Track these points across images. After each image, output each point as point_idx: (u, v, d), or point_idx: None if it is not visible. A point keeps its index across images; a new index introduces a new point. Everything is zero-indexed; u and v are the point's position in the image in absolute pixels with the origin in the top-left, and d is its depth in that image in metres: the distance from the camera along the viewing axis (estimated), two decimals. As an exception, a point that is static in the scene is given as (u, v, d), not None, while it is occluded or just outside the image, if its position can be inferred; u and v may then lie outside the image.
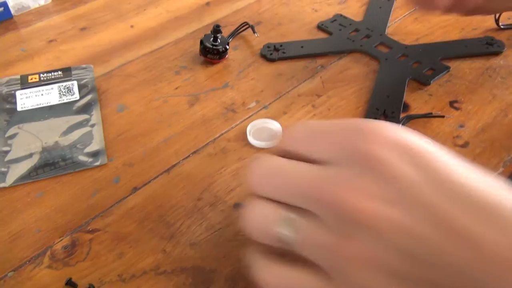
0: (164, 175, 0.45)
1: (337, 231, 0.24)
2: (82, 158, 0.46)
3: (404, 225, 0.23)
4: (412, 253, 0.23)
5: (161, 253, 0.39)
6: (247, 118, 0.51)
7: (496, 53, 0.59)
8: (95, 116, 0.51)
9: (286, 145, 0.29)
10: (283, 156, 0.28)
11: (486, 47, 0.60)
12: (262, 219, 0.27)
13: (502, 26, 0.64)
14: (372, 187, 0.24)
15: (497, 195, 0.23)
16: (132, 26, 0.65)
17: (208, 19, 0.66)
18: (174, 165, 0.46)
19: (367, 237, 0.23)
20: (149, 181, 0.44)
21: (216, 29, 0.56)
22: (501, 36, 0.62)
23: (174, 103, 0.53)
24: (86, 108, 0.51)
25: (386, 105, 0.52)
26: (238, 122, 0.50)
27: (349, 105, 0.52)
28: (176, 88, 0.55)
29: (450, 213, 0.23)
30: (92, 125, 0.50)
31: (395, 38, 0.62)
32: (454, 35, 0.63)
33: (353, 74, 0.57)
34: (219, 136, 0.49)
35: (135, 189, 0.44)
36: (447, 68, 0.57)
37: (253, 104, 0.53)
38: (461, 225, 0.22)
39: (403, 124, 0.49)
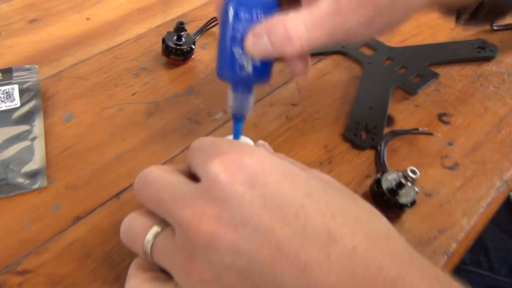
0: (113, 201, 0.39)
1: (184, 248, 0.26)
2: (18, 179, 0.39)
3: (236, 244, 0.25)
4: (246, 271, 0.25)
5: (103, 301, 0.33)
6: (212, 131, 0.45)
7: (489, 58, 0.54)
8: (37, 127, 0.44)
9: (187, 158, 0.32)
10: (183, 169, 0.32)
11: (477, 51, 0.54)
12: (133, 230, 0.30)
13: (495, 28, 0.58)
14: (212, 209, 0.26)
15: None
16: (88, 19, 0.57)
17: (175, 12, 0.59)
18: (125, 189, 0.39)
19: (207, 258, 0.25)
20: (95, 209, 0.38)
21: (180, 27, 0.48)
22: (494, 39, 0.56)
23: (131, 112, 0.46)
24: (27, 118, 0.44)
25: (368, 118, 0.46)
26: (201, 136, 0.44)
27: (327, 118, 0.46)
28: (134, 94, 0.48)
29: (276, 233, 0.25)
30: (33, 139, 0.43)
31: (380, 38, 0.56)
32: (443, 36, 0.57)
33: (333, 80, 0.50)
34: (179, 154, 0.43)
35: (78, 219, 0.37)
36: (436, 75, 0.51)
37: (220, 114, 0.46)
38: (287, 244, 0.24)
39: (386, 142, 0.44)
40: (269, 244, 0.24)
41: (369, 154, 0.43)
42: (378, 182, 0.38)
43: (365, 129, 0.45)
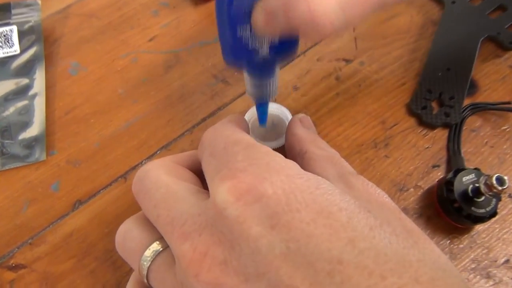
0: (120, 182, 0.32)
1: (180, 284, 0.21)
2: (14, 149, 0.33)
3: None
4: None
5: (101, 312, 0.28)
6: (242, 94, 0.36)
7: None
8: (39, 80, 0.37)
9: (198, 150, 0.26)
10: (192, 163, 0.26)
11: None
12: (130, 245, 0.24)
13: None
14: (217, 250, 0.20)
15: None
16: None
17: None
18: (133, 168, 0.33)
19: None
20: (99, 191, 0.32)
21: (207, -48, 0.38)
22: None
23: (146, 64, 0.38)
24: (27, 68, 0.37)
25: (444, 84, 0.35)
26: (229, 101, 0.35)
27: (390, 81, 0.36)
28: (151, 40, 0.39)
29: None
30: (33, 96, 0.36)
31: (471, -35, 0.42)
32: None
33: (402, 26, 0.39)
34: (201, 122, 0.35)
35: (79, 203, 0.32)
36: (544, 22, 0.38)
37: (253, 71, 0.37)
38: None
39: (464, 119, 0.33)
40: None
41: (439, 134, 0.33)
42: (449, 184, 0.29)
43: (438, 100, 0.34)
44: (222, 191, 0.20)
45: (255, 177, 0.20)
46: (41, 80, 0.36)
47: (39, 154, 0.33)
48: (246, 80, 0.27)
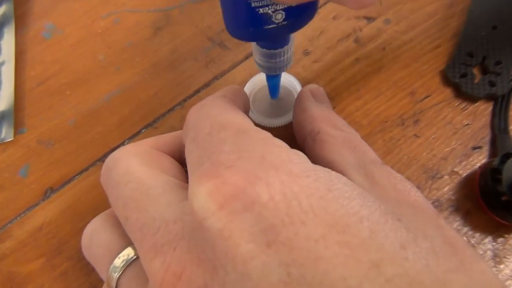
0: (97, 167, 0.27)
1: None
2: (-23, 127, 0.29)
3: None
4: None
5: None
6: (243, 61, 0.30)
7: None
8: (7, 45, 0.31)
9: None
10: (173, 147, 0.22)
11: None
12: (96, 250, 0.19)
13: None
14: (194, 271, 0.15)
15: None
16: None
17: None
18: (115, 149, 0.27)
19: None
20: (73, 177, 0.27)
21: None
22: None
23: (130, 25, 0.32)
24: (-4, 31, 0.32)
25: (489, 46, 0.28)
26: (227, 68, 0.30)
27: (420, 43, 0.29)
28: (137, -4, 0.33)
29: None
30: (1, 64, 0.31)
31: None
32: None
33: (436, -25, 0.32)
34: (193, 95, 0.29)
35: (50, 192, 0.27)
36: None
37: (256, 32, 0.31)
38: None
39: (514, 90, 0.27)
40: None
41: (482, 109, 0.27)
42: (495, 172, 0.23)
43: (481, 66, 0.28)
44: (201, 194, 0.15)
45: (245, 176, 0.15)
46: (10, 45, 0.31)
47: (6, 132, 0.28)
48: (254, 49, 0.21)
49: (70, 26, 0.32)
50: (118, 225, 0.20)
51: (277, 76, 0.24)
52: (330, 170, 0.17)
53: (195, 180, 0.16)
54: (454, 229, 0.24)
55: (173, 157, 0.22)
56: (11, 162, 0.28)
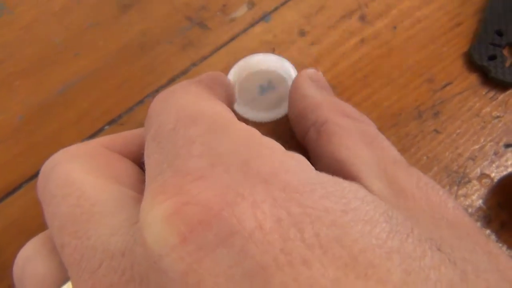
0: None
1: None
2: None
3: None
4: None
5: None
6: (227, 43, 0.25)
7: None
8: None
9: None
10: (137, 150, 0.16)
11: None
12: (31, 281, 0.14)
13: None
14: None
15: None
16: None
17: None
18: (70, 151, 0.22)
19: None
20: (20, 186, 0.22)
21: None
22: None
23: (93, 3, 0.26)
24: None
25: (520, 23, 0.23)
26: (208, 53, 0.24)
27: (439, 21, 0.24)
28: (102, -31, 0.27)
29: None
30: None
31: None
32: None
33: None
34: (167, 84, 0.24)
35: (-11, 205, 0.22)
36: None
37: (243, 10, 0.25)
38: None
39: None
40: None
41: (514, 97, 0.22)
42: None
43: (510, 45, 0.23)
44: (156, 219, 0.10)
45: (220, 193, 0.10)
46: (-51, 27, 0.26)
47: None
48: None
49: (22, 5, 0.26)
50: (51, 257, 0.14)
51: None
52: (341, 180, 0.12)
53: (149, 197, 0.11)
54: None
55: (134, 160, 0.17)
56: None
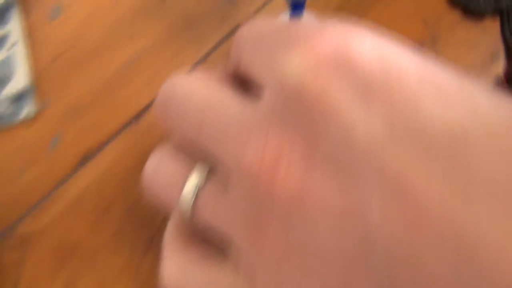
0: (131, 127, 0.26)
1: (248, 211, 0.14)
2: (-3, 107, 0.27)
3: (345, 211, 0.12)
4: (360, 257, 0.12)
5: (132, 279, 0.22)
6: (253, 15, 0.29)
7: None
8: (15, 28, 0.30)
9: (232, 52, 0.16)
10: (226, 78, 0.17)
11: None
12: (163, 181, 0.17)
13: None
14: (294, 146, 0.13)
15: None
16: None
17: None
18: (146, 108, 0.27)
19: (290, 229, 0.13)
20: (107, 142, 0.26)
21: None
22: None
23: (138, -6, 0.31)
24: (1, 15, 0.30)
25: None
26: (242, 20, 0.29)
27: None
28: (139, -33, 0.32)
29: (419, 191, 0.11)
30: (12, 46, 0.29)
31: None
32: None
33: None
34: (213, 50, 0.28)
35: (84, 160, 0.25)
36: None
37: (264, -15, 0.31)
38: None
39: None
40: (405, 215, 0.11)
41: (492, 24, 0.27)
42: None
43: (483, -14, 0.28)
44: (292, 60, 0.13)
45: (339, 38, 0.13)
46: (18, 27, 0.30)
47: (29, 108, 0.27)
48: None
49: (76, 4, 0.31)
50: (181, 153, 0.18)
51: (302, 7, 0.23)
52: None
53: (279, 57, 0.14)
54: None
55: None
56: (40, 137, 0.26)
